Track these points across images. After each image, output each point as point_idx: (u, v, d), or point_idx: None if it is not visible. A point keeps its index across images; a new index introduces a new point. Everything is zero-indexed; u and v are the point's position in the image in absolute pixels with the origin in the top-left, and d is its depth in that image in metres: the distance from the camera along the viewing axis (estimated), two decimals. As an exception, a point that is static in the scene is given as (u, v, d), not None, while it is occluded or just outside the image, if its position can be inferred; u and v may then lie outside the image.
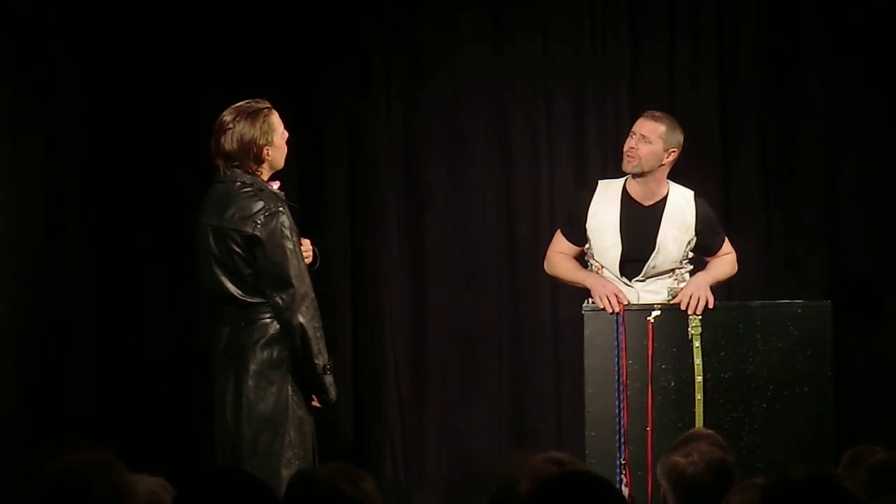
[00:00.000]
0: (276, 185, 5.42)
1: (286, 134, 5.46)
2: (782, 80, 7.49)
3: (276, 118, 5.42)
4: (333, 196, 7.39)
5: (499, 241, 7.48)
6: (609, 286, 6.18)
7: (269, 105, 5.43)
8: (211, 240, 5.36)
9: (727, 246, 6.42)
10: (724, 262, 6.39)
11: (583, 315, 6.17)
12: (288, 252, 5.28)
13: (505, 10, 7.49)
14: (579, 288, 6.32)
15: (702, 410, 6.04)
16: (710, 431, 4.52)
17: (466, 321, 7.44)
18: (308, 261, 5.44)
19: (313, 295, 5.34)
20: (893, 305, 7.42)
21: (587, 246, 6.36)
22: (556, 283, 7.10)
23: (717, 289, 6.28)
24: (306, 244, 5.48)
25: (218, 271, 5.35)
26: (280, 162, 5.44)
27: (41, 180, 7.07)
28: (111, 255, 7.15)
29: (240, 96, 7.21)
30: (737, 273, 6.45)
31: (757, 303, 6.27)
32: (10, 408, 6.95)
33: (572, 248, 6.40)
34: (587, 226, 6.33)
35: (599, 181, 6.44)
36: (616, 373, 6.07)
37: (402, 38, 7.47)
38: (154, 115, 7.23)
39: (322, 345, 5.32)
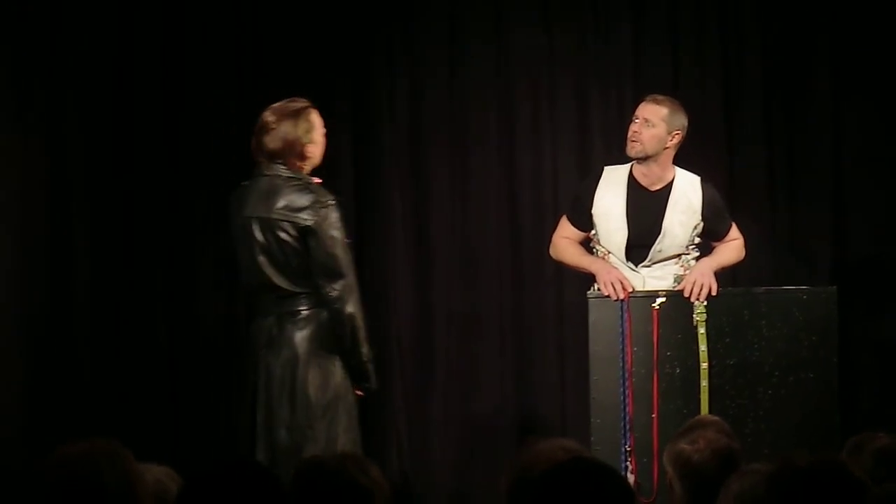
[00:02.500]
0: (316, 181, 5.61)
1: (324, 130, 5.64)
2: (787, 66, 7.48)
3: (316, 116, 5.63)
4: (337, 186, 7.38)
5: (502, 231, 7.47)
6: (614, 272, 6.17)
7: (308, 103, 5.63)
8: (257, 231, 5.53)
9: (734, 231, 6.42)
10: (731, 248, 6.39)
11: (587, 302, 6.17)
12: (340, 243, 5.50)
13: (507, 0, 7.49)
14: (584, 273, 6.33)
15: (707, 397, 6.03)
16: (715, 418, 4.53)
17: (470, 310, 7.43)
18: None
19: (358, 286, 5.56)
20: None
21: (593, 232, 6.36)
22: (560, 271, 7.10)
23: (721, 275, 6.28)
24: None
25: (263, 262, 5.53)
26: (319, 158, 5.67)
27: (46, 176, 7.07)
28: (115, 250, 7.15)
29: (243, 92, 7.26)
30: (743, 259, 6.45)
31: (762, 289, 6.27)
32: (15, 400, 6.96)
33: (578, 234, 6.40)
34: (593, 211, 6.33)
35: (605, 167, 6.44)
36: (621, 360, 6.07)
37: (405, 28, 7.46)
38: (158, 108, 7.22)
39: (366, 334, 5.55)
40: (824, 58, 7.46)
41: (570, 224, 6.42)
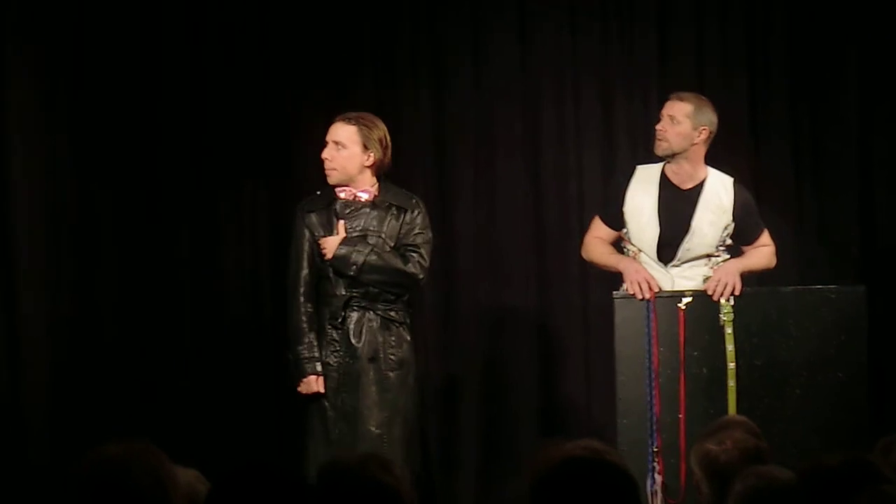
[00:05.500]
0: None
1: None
2: (814, 59, 7.45)
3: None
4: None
5: (528, 230, 7.46)
6: (641, 272, 6.15)
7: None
8: None
9: (766, 237, 6.37)
10: (761, 253, 6.35)
11: (613, 302, 6.14)
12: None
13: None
14: (613, 272, 6.30)
15: (734, 397, 6.01)
16: (743, 418, 4.50)
17: (497, 310, 7.42)
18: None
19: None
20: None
21: (624, 230, 6.34)
22: (586, 270, 7.07)
23: (748, 276, 6.24)
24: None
25: None
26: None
27: (72, 176, 7.08)
28: (141, 251, 7.16)
29: (267, 91, 7.26)
30: (773, 267, 6.40)
31: (789, 288, 6.24)
32: (42, 399, 6.97)
33: (609, 233, 6.38)
34: (624, 209, 6.31)
35: (638, 166, 6.42)
36: (647, 360, 6.05)
37: (429, 29, 7.46)
38: (184, 105, 7.23)
39: (292, 334, 6.15)
40: (854, 50, 7.43)
41: (601, 223, 6.40)
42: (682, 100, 6.32)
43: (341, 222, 6.11)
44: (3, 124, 6.95)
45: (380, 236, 6.12)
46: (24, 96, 7.00)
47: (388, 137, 6.18)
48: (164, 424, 6.93)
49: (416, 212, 6.19)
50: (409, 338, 6.15)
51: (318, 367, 6.04)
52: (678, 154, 6.28)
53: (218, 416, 7.11)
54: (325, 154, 6.14)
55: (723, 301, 6.06)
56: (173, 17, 7.21)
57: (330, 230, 6.12)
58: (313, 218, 6.15)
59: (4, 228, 6.94)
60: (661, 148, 6.29)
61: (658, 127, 6.31)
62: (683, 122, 6.27)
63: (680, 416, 6.01)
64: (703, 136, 6.28)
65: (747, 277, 6.21)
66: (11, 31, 6.98)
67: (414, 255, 6.13)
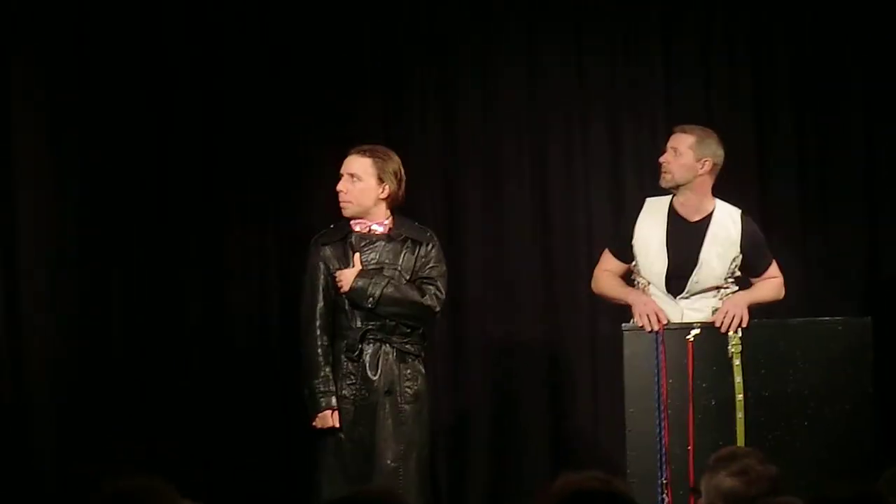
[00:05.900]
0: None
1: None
2: (819, 90, 7.49)
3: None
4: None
5: (536, 261, 7.48)
6: (650, 304, 6.18)
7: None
8: None
9: (774, 269, 6.40)
10: (769, 285, 6.37)
11: (622, 334, 6.18)
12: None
13: (539, 29, 7.51)
14: (622, 305, 6.33)
15: (743, 429, 6.03)
16: (749, 448, 4.52)
17: (505, 342, 7.44)
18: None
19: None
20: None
21: (633, 263, 6.37)
22: (594, 302, 7.10)
23: (756, 308, 6.27)
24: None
25: None
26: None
27: (77, 191, 7.12)
28: (147, 272, 7.20)
29: (276, 115, 7.30)
30: (782, 298, 6.43)
31: (797, 320, 6.27)
32: (47, 415, 7.01)
33: (619, 266, 6.41)
34: (633, 242, 6.35)
35: (647, 199, 6.46)
36: (656, 392, 6.07)
37: (438, 58, 7.50)
38: (192, 137, 7.27)
39: (309, 366, 6.10)
40: (859, 80, 7.47)
41: (611, 256, 6.44)
42: (685, 132, 6.35)
43: (357, 255, 6.12)
44: (7, 129, 6.99)
45: (396, 269, 6.13)
46: (29, 109, 7.05)
47: (403, 170, 6.20)
48: (172, 458, 6.95)
49: (430, 245, 6.21)
50: (423, 370, 6.17)
51: (334, 402, 6.02)
52: (682, 186, 6.31)
53: (229, 450, 7.13)
54: (340, 186, 6.15)
55: (731, 333, 6.09)
56: (183, 45, 7.27)
57: (345, 263, 6.11)
58: (328, 251, 6.15)
59: (10, 231, 6.98)
60: (664, 180, 6.34)
61: (661, 159, 6.35)
62: (686, 153, 6.30)
63: (689, 447, 6.03)
64: (707, 167, 6.31)
65: (755, 309, 6.24)
66: (17, 33, 7.02)
67: (430, 287, 6.14)
